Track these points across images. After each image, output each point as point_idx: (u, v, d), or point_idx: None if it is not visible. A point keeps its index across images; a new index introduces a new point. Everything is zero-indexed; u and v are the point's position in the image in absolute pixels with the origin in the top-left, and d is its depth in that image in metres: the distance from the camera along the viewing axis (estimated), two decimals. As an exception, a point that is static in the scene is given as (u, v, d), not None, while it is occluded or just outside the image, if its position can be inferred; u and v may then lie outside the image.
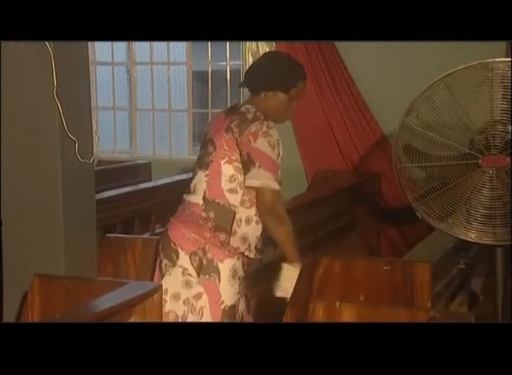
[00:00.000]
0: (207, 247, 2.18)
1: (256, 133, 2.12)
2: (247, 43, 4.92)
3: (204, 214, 2.19)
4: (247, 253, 2.20)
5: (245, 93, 5.17)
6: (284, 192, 2.31)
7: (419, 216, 2.54)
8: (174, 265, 2.21)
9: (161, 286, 2.14)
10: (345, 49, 4.61)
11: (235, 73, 5.24)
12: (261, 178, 2.12)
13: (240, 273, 2.22)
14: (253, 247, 2.22)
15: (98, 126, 5.58)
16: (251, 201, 2.17)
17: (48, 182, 2.54)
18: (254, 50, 4.92)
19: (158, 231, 3.91)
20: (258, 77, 2.20)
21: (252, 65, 2.33)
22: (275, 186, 2.14)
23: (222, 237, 2.17)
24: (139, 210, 3.88)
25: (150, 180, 4.95)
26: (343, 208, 4.31)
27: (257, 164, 2.11)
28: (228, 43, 5.24)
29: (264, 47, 4.88)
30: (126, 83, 5.88)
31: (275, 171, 2.14)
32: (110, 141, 5.78)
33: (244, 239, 2.19)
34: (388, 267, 2.36)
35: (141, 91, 5.79)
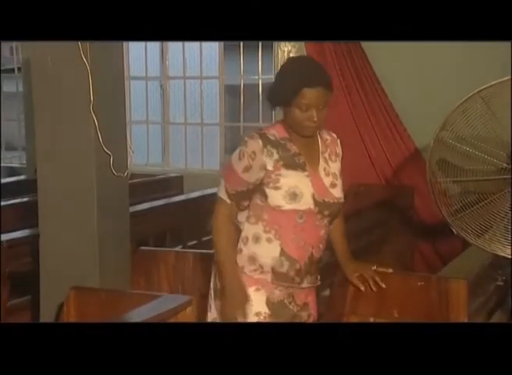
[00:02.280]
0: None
1: (239, 143, 2.01)
2: (279, 57, 4.94)
3: None
4: (258, 276, 1.96)
5: (277, 108, 5.21)
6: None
7: (454, 232, 2.50)
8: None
9: (192, 299, 2.15)
10: (378, 62, 4.59)
11: (267, 86, 5.27)
12: (219, 186, 2.02)
13: (260, 307, 1.95)
14: (267, 269, 1.96)
15: (132, 139, 5.66)
16: (257, 216, 1.98)
17: (84, 195, 2.58)
18: (286, 64, 4.94)
19: (189, 244, 3.93)
20: (267, 94, 2.08)
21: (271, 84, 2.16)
22: (222, 194, 1.98)
23: None
24: (171, 223, 3.91)
25: (182, 193, 4.99)
26: (376, 222, 4.27)
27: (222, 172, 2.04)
28: (260, 57, 5.27)
29: (296, 61, 4.90)
30: (159, 97, 5.95)
31: (231, 181, 1.97)
32: (143, 155, 5.85)
33: (252, 259, 1.97)
34: (422, 283, 2.31)
35: (174, 105, 5.86)
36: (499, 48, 3.56)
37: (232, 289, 1.94)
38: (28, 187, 4.00)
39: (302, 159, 1.99)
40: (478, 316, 2.63)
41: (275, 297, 1.97)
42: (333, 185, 2.04)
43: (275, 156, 1.95)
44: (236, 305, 1.93)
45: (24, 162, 5.71)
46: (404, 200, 4.59)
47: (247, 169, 1.94)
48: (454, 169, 2.46)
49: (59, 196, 2.61)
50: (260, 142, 1.95)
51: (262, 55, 5.22)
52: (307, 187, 1.96)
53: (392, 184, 4.71)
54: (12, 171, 5.60)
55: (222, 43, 5.34)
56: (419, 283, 2.31)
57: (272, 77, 5.09)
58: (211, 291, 2.06)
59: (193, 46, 5.72)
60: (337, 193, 2.04)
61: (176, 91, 5.85)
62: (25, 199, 3.99)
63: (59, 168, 2.60)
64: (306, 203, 1.95)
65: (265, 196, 1.95)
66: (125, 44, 3.97)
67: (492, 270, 2.87)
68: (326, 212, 1.99)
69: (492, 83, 2.37)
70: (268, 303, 1.96)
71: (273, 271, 1.96)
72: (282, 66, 2.07)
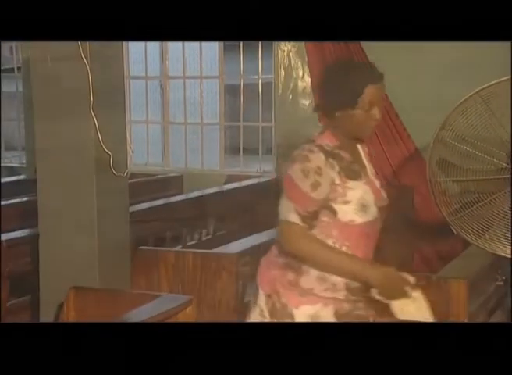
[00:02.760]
0: (280, 288, 1.88)
1: (294, 159, 1.83)
2: (279, 56, 4.94)
3: (277, 248, 1.91)
4: (329, 294, 1.83)
5: (277, 107, 5.22)
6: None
7: (454, 232, 2.50)
8: (254, 303, 1.95)
9: (192, 299, 2.15)
10: (378, 62, 4.59)
11: (267, 86, 5.27)
12: (282, 210, 1.81)
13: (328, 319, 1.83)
14: (340, 286, 1.83)
15: (132, 139, 5.66)
16: (325, 234, 1.83)
17: (84, 195, 2.58)
18: (286, 64, 4.94)
19: (189, 244, 3.93)
20: (322, 98, 1.92)
21: (318, 85, 2.03)
22: (293, 218, 1.79)
23: (291, 276, 1.86)
24: (171, 223, 3.91)
25: (182, 193, 4.99)
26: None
27: (283, 193, 1.83)
28: (260, 57, 5.27)
29: (296, 61, 4.90)
30: (159, 97, 5.95)
31: (300, 202, 1.79)
32: (143, 155, 5.85)
33: (322, 279, 1.83)
34: (422, 283, 2.31)
35: (174, 104, 5.86)
36: (499, 48, 3.56)
37: (384, 276, 1.79)
38: (28, 186, 4.00)
39: (357, 167, 1.88)
40: (478, 316, 2.63)
41: (344, 308, 1.87)
42: (381, 186, 1.94)
43: (337, 168, 1.82)
44: (398, 286, 1.79)
45: (24, 161, 5.71)
46: (404, 200, 4.58)
47: (315, 186, 1.79)
48: (454, 168, 2.46)
49: (59, 196, 2.61)
50: (322, 155, 1.81)
51: (262, 55, 5.22)
52: (370, 196, 1.86)
53: (392, 184, 4.71)
54: (12, 171, 5.60)
55: (221, 43, 5.34)
56: (419, 283, 2.30)
57: (271, 77, 5.09)
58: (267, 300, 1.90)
59: (193, 46, 5.72)
60: (385, 194, 1.93)
61: (176, 91, 5.85)
62: (25, 199, 3.99)
63: (59, 168, 2.60)
64: (373, 213, 1.85)
65: (334, 212, 1.82)
66: (125, 44, 3.97)
67: (491, 270, 2.87)
68: (383, 217, 1.89)
69: (492, 82, 2.38)
70: (337, 315, 1.86)
71: (347, 288, 1.84)
72: (329, 73, 1.92)
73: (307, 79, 4.85)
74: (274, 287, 1.88)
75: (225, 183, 5.01)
